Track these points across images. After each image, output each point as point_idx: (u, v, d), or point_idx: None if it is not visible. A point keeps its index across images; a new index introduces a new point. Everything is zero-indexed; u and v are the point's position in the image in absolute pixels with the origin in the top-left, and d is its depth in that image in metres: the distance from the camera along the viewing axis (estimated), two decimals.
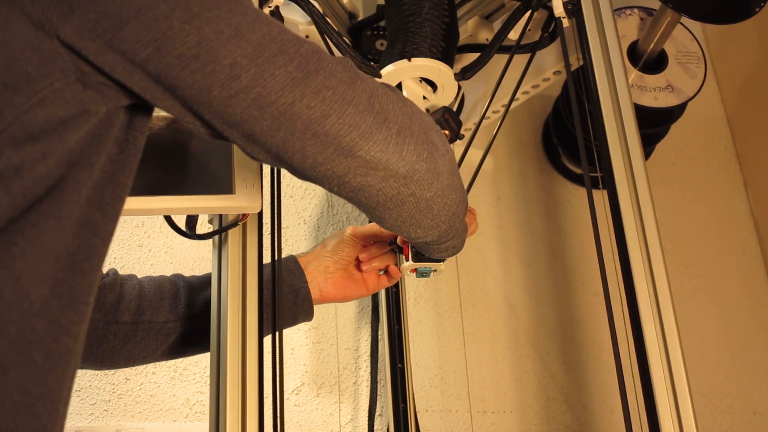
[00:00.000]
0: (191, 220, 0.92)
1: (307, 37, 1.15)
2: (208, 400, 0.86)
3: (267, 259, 0.91)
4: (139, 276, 0.96)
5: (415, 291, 1.48)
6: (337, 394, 1.40)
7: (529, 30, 1.13)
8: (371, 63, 1.04)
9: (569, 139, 1.52)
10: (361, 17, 1.22)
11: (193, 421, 1.35)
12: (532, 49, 1.13)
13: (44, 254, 0.54)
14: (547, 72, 1.26)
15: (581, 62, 1.05)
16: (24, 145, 0.53)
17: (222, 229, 0.89)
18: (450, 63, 1.03)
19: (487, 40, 1.20)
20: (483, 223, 1.56)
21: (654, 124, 1.43)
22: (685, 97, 1.34)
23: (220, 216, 0.90)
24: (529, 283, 1.54)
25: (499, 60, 1.11)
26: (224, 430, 0.80)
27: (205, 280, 0.97)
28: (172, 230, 0.90)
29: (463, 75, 1.04)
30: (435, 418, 1.40)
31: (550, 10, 1.10)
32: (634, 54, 1.34)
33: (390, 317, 1.30)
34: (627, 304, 0.89)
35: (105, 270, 0.93)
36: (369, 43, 1.20)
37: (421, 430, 1.28)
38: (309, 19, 1.06)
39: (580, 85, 1.05)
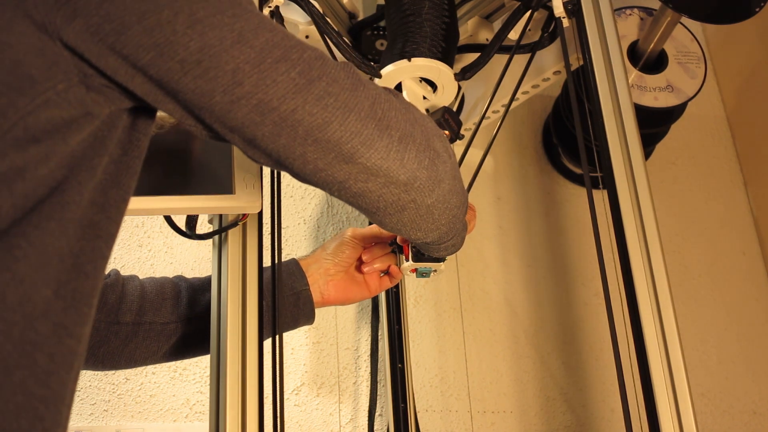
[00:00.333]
0: (191, 220, 0.92)
1: (307, 37, 1.15)
2: (208, 400, 0.86)
3: (267, 259, 0.91)
4: (139, 276, 0.96)
5: (415, 291, 1.48)
6: (337, 394, 1.39)
7: (529, 30, 1.13)
8: (371, 63, 1.04)
9: (569, 139, 1.52)
10: (361, 17, 1.22)
11: (193, 421, 1.35)
12: (532, 49, 1.13)
13: (47, 256, 0.54)
14: (547, 72, 1.26)
15: (581, 62, 1.05)
16: (27, 146, 0.53)
17: (222, 229, 0.89)
18: (450, 63, 1.03)
19: (487, 40, 1.20)
20: (483, 223, 1.56)
21: (654, 124, 1.43)
22: (685, 97, 1.34)
23: (220, 216, 0.90)
24: (529, 283, 1.54)
25: (499, 60, 1.11)
26: (224, 430, 0.80)
27: (207, 281, 0.96)
28: (172, 230, 0.90)
29: (463, 75, 1.04)
30: (435, 418, 1.40)
31: (550, 10, 1.10)
32: (634, 54, 1.34)
33: (390, 317, 1.30)
34: (627, 304, 0.89)
35: (107, 270, 0.93)
36: (369, 43, 1.20)
37: (421, 430, 1.28)
38: (309, 19, 1.06)
39: (580, 85, 1.05)
